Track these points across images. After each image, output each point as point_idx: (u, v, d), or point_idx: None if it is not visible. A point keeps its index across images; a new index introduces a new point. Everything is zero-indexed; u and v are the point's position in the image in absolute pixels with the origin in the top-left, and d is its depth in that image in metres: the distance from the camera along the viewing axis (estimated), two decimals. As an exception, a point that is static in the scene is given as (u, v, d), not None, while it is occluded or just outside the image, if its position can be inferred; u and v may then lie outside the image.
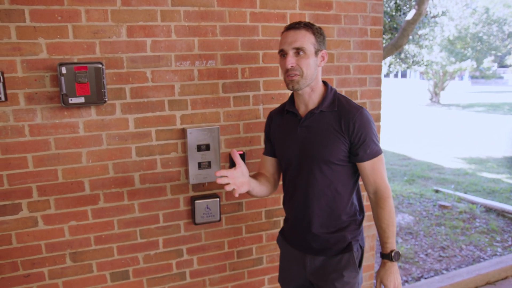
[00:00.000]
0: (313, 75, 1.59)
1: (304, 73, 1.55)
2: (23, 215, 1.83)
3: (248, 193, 1.64)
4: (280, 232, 1.90)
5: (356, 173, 1.68)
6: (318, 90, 1.65)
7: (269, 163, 1.83)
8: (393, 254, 1.62)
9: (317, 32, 1.58)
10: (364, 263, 1.81)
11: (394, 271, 1.63)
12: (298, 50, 1.54)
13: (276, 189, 1.85)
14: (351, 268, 1.67)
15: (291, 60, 1.54)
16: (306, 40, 1.54)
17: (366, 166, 1.61)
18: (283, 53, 1.58)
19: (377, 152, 1.60)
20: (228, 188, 1.45)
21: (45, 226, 1.87)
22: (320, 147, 1.60)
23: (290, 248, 1.81)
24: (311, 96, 1.64)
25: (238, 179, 1.51)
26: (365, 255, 2.49)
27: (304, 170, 1.65)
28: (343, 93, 2.28)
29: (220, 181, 1.43)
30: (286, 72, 1.57)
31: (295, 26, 1.57)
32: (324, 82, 1.69)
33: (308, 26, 1.57)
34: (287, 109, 1.72)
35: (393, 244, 1.64)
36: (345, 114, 1.58)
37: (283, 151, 1.74)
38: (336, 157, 1.59)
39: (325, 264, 1.70)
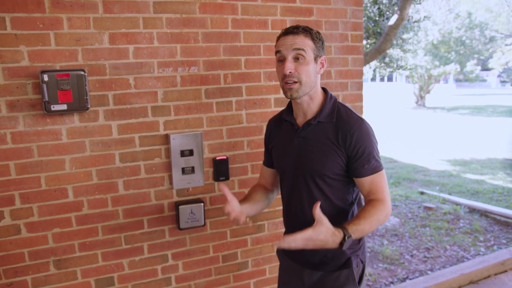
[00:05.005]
0: (313, 83, 1.50)
1: (303, 81, 1.46)
2: (5, 223, 1.82)
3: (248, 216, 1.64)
4: None
5: (356, 188, 1.59)
6: (317, 98, 1.56)
7: (267, 173, 1.80)
8: (347, 237, 1.36)
9: (316, 37, 1.49)
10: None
11: (325, 240, 1.34)
12: (297, 55, 1.45)
13: (278, 195, 1.83)
14: (350, 285, 1.57)
15: (289, 66, 1.45)
16: (306, 45, 1.46)
17: (364, 182, 1.50)
18: (280, 58, 1.49)
19: (376, 168, 1.49)
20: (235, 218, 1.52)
21: (28, 234, 1.87)
22: (315, 160, 1.52)
23: (289, 260, 1.73)
24: (309, 105, 1.56)
25: (236, 209, 1.52)
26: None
27: (299, 183, 1.58)
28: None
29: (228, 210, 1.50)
30: (284, 78, 1.47)
31: (293, 30, 1.48)
32: (324, 90, 1.61)
33: (307, 31, 1.48)
34: (285, 118, 1.66)
35: (356, 232, 1.39)
36: (343, 126, 1.49)
37: (279, 161, 1.68)
38: (331, 171, 1.51)
39: (323, 280, 1.62)
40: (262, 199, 1.75)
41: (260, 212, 1.79)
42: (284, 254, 1.76)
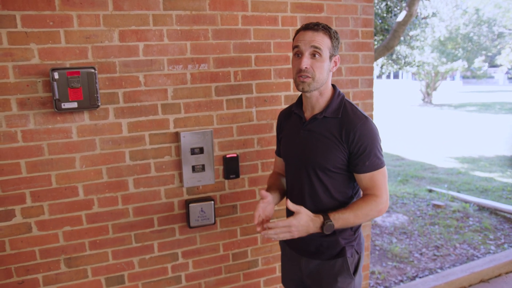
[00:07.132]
0: (324, 80, 1.56)
1: (316, 77, 1.52)
2: (16, 221, 1.82)
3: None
4: None
5: (356, 182, 1.64)
6: (326, 94, 1.62)
7: (280, 162, 1.88)
8: (326, 221, 1.48)
9: (334, 37, 1.55)
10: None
11: (306, 225, 1.48)
12: (314, 52, 1.51)
13: None
14: (345, 274, 1.64)
15: (306, 61, 1.51)
16: (324, 43, 1.51)
17: (363, 178, 1.56)
18: (298, 52, 1.54)
19: (377, 165, 1.54)
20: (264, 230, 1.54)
21: (39, 232, 1.87)
22: (318, 153, 1.58)
23: (289, 249, 1.81)
24: (318, 100, 1.62)
25: (267, 208, 1.61)
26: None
27: (301, 174, 1.65)
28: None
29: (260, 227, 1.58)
30: (299, 72, 1.53)
31: (313, 27, 1.52)
32: (334, 86, 1.66)
33: (326, 29, 1.53)
34: (294, 111, 1.72)
35: (338, 219, 1.50)
36: (347, 123, 1.55)
37: (286, 152, 1.75)
38: (333, 164, 1.57)
39: (319, 268, 1.69)
40: (283, 186, 1.84)
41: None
42: (285, 243, 1.84)
